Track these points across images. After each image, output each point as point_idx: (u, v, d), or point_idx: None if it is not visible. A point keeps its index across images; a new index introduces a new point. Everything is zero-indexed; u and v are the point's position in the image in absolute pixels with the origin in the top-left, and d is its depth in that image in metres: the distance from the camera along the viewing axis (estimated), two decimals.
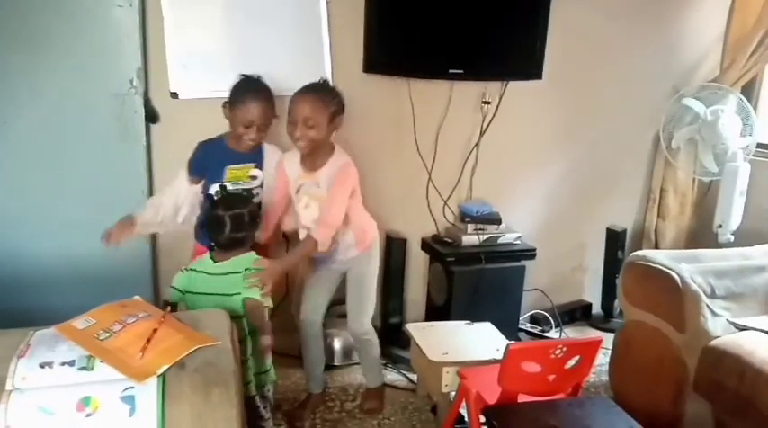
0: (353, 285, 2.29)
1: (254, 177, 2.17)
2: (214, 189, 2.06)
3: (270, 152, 2.20)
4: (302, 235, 2.15)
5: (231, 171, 2.14)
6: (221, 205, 1.91)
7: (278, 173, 2.17)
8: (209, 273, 1.91)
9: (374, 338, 2.36)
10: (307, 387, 2.44)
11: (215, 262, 1.92)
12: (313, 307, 2.31)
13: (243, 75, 2.15)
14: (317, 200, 2.09)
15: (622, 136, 3.17)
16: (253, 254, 1.96)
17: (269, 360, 1.98)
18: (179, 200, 2.14)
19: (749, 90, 3.15)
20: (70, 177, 2.39)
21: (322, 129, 2.01)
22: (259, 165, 2.18)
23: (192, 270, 1.93)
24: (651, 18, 3.04)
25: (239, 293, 1.86)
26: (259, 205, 2.03)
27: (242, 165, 2.15)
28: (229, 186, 2.10)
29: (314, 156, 2.09)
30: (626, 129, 3.17)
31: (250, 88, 2.10)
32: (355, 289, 2.29)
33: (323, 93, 2.04)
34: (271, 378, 1.99)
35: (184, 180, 2.14)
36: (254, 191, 2.17)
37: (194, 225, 2.19)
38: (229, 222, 1.88)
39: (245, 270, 1.89)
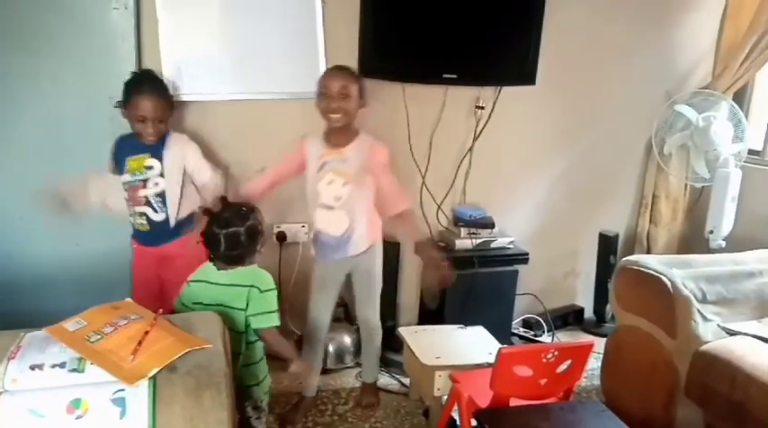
0: (362, 279, 2.30)
1: (149, 167, 2.19)
2: (124, 178, 2.19)
3: (174, 140, 2.23)
4: (318, 215, 2.17)
5: (130, 162, 2.19)
6: (216, 223, 1.85)
7: (294, 150, 2.20)
8: (211, 283, 1.86)
9: (380, 329, 2.41)
10: (299, 390, 2.43)
11: (218, 270, 1.87)
12: (321, 311, 2.32)
13: (133, 72, 2.21)
14: (343, 176, 2.12)
15: (615, 141, 3.19)
16: (256, 268, 1.89)
17: (265, 368, 1.95)
18: (105, 187, 2.24)
19: (741, 97, 3.18)
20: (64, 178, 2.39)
21: (354, 100, 2.11)
22: (156, 155, 2.19)
23: (193, 281, 1.88)
24: (644, 24, 3.07)
25: (243, 309, 1.81)
26: (251, 208, 1.94)
27: (138, 156, 2.18)
28: (128, 177, 2.19)
29: (340, 134, 2.14)
30: (618, 135, 3.19)
31: (139, 84, 2.15)
32: (365, 282, 2.31)
33: (351, 70, 2.17)
34: (264, 388, 1.95)
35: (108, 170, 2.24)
36: (154, 181, 2.19)
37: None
38: (224, 240, 1.82)
39: (251, 286, 1.81)
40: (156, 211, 2.22)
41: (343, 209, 2.15)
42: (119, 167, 2.22)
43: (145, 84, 2.15)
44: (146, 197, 2.20)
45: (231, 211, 1.88)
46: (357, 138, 2.16)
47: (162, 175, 2.20)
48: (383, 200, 2.18)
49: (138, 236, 2.28)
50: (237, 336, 1.80)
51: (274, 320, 1.82)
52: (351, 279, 2.32)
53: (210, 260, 1.89)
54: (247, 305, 1.81)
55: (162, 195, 2.20)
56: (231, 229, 1.82)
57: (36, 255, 2.40)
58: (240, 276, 1.85)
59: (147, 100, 2.11)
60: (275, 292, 1.84)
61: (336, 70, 2.16)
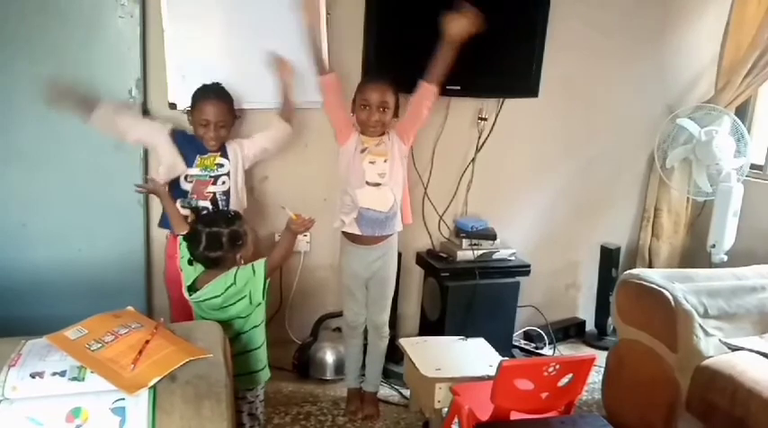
0: (379, 282, 2.37)
1: (220, 165, 2.30)
2: (193, 171, 2.25)
3: (231, 144, 2.35)
4: (364, 193, 2.26)
5: (201, 159, 2.28)
6: (201, 220, 1.87)
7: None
8: (214, 297, 1.82)
9: (388, 333, 2.45)
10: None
11: (192, 292, 1.84)
12: (356, 313, 2.41)
13: (202, 84, 2.30)
14: (383, 154, 2.26)
15: (617, 154, 3.20)
16: (237, 269, 1.84)
17: (265, 357, 1.92)
18: (148, 136, 2.30)
19: (743, 111, 3.19)
20: (66, 186, 2.39)
21: (392, 112, 2.24)
22: (224, 155, 2.32)
23: (198, 301, 1.86)
24: (646, 39, 3.08)
25: (248, 294, 1.80)
26: (237, 215, 1.96)
27: (209, 155, 2.29)
28: (198, 171, 2.26)
29: (376, 135, 2.28)
30: (620, 148, 3.20)
31: (204, 92, 2.27)
32: (380, 286, 2.38)
33: (390, 81, 2.24)
34: (263, 377, 1.93)
35: (164, 133, 2.26)
36: (221, 180, 2.30)
37: (162, 214, 2.28)
38: (204, 239, 1.81)
39: (231, 285, 1.79)
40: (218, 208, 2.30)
41: (387, 186, 2.26)
42: (185, 154, 2.25)
43: (211, 91, 2.27)
44: (213, 193, 2.28)
45: (218, 213, 1.97)
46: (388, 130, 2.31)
47: (228, 175, 2.31)
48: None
49: None
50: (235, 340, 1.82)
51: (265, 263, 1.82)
52: (368, 282, 2.37)
53: (190, 262, 1.86)
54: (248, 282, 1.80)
55: (227, 193, 2.31)
56: (215, 229, 1.82)
57: (38, 261, 2.40)
58: (212, 290, 1.82)
59: (211, 104, 2.23)
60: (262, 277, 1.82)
61: (376, 83, 2.23)
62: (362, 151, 2.26)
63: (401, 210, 2.34)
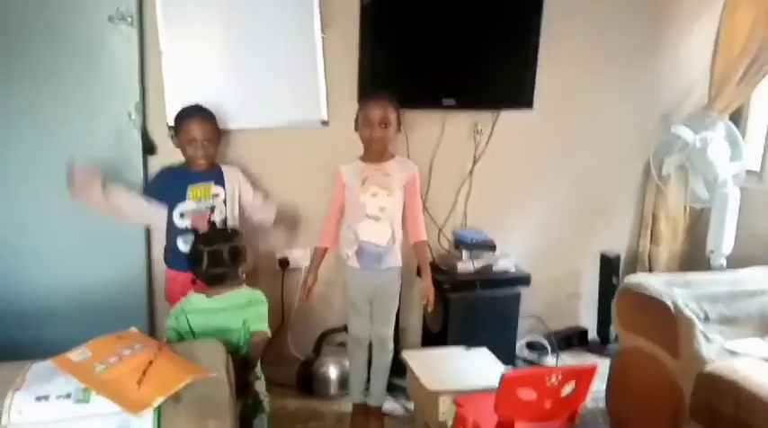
0: (383, 297, 2.38)
1: (215, 195, 2.31)
2: (179, 211, 2.25)
3: (228, 171, 2.38)
4: (364, 226, 2.27)
5: (193, 190, 2.28)
6: (202, 240, 1.96)
7: (336, 185, 2.34)
8: (204, 310, 1.91)
9: (392, 347, 2.45)
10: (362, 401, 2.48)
11: (208, 297, 1.93)
12: (361, 327, 2.42)
13: (182, 106, 2.33)
14: (386, 188, 2.27)
15: (613, 163, 3.22)
16: (246, 287, 1.99)
17: (263, 388, 1.99)
18: (142, 212, 2.30)
19: (737, 117, 3.21)
20: (68, 208, 2.40)
21: (394, 128, 2.27)
22: (219, 183, 2.33)
23: (182, 313, 1.91)
24: (640, 50, 3.11)
25: (239, 328, 1.88)
26: (235, 231, 2.08)
27: (203, 183, 2.29)
28: (193, 204, 2.26)
29: (380, 153, 2.30)
30: (617, 157, 3.22)
31: (187, 112, 2.29)
32: (385, 301, 2.39)
33: (390, 98, 2.28)
34: (263, 408, 1.99)
35: (161, 212, 2.29)
36: (218, 209, 2.31)
37: (166, 251, 2.33)
38: (207, 258, 1.90)
39: (249, 302, 1.93)
40: None
41: (387, 220, 2.28)
42: (171, 196, 2.27)
43: (194, 110, 2.30)
44: (213, 222, 2.26)
45: (216, 232, 2.03)
46: (394, 157, 2.35)
47: (225, 203, 2.33)
48: (411, 221, 2.36)
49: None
50: (238, 355, 1.85)
51: (266, 327, 1.94)
52: (372, 297, 2.38)
53: (193, 282, 1.96)
54: (244, 322, 1.90)
55: (225, 223, 2.32)
56: (215, 247, 1.92)
57: (39, 284, 2.40)
58: (235, 297, 1.93)
59: (196, 123, 2.26)
60: (267, 305, 1.97)
61: (376, 100, 2.26)
62: (363, 182, 2.27)
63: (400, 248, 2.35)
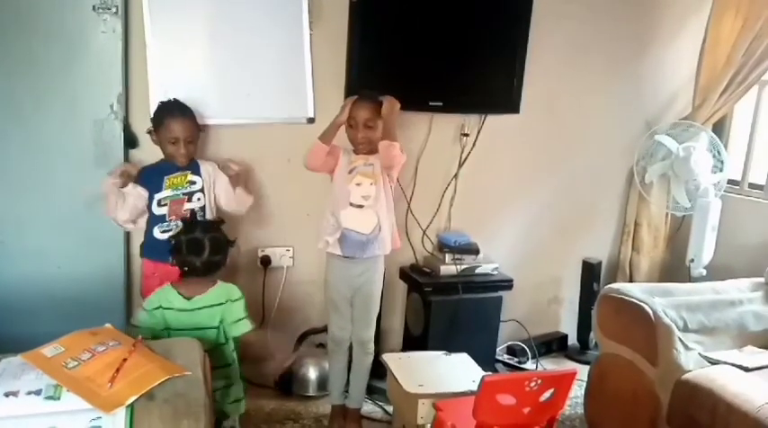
0: (364, 298, 2.36)
1: (192, 182, 2.30)
2: (156, 199, 2.24)
3: (204, 164, 2.37)
4: (347, 214, 2.26)
5: (169, 179, 2.27)
6: (198, 228, 1.96)
7: (334, 151, 2.30)
8: (181, 310, 1.89)
9: (372, 349, 2.43)
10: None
11: (186, 298, 1.90)
12: (341, 328, 2.39)
13: (160, 102, 2.31)
14: (369, 177, 2.28)
15: (597, 169, 3.24)
16: (222, 283, 1.97)
17: (240, 387, 1.99)
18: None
19: (720, 128, 3.25)
20: (46, 202, 2.36)
21: (379, 130, 2.26)
22: (196, 172, 2.32)
23: (158, 308, 1.89)
24: (626, 57, 3.14)
25: (216, 327, 1.87)
26: (218, 222, 2.10)
27: (179, 173, 2.29)
28: (169, 192, 2.25)
29: (366, 152, 2.31)
30: (601, 164, 3.24)
31: (167, 110, 2.27)
32: (365, 302, 2.37)
33: (376, 99, 2.27)
34: (240, 409, 2.00)
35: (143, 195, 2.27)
36: (196, 196, 2.30)
37: (142, 244, 2.32)
38: (209, 244, 1.92)
39: (225, 302, 1.91)
40: None
41: (371, 208, 2.27)
42: (149, 188, 2.26)
43: (174, 108, 2.27)
44: (191, 210, 2.27)
45: (198, 223, 2.05)
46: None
47: (202, 192, 2.31)
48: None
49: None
50: (221, 349, 1.86)
51: (248, 325, 1.95)
52: (353, 298, 2.36)
53: (181, 276, 1.95)
54: (221, 320, 1.90)
55: (204, 209, 2.31)
56: (214, 233, 1.95)
57: (16, 278, 2.36)
58: (211, 297, 1.91)
59: (177, 122, 2.24)
60: (244, 299, 1.97)
61: (362, 101, 2.26)
62: (350, 171, 2.28)
63: (391, 234, 2.34)
